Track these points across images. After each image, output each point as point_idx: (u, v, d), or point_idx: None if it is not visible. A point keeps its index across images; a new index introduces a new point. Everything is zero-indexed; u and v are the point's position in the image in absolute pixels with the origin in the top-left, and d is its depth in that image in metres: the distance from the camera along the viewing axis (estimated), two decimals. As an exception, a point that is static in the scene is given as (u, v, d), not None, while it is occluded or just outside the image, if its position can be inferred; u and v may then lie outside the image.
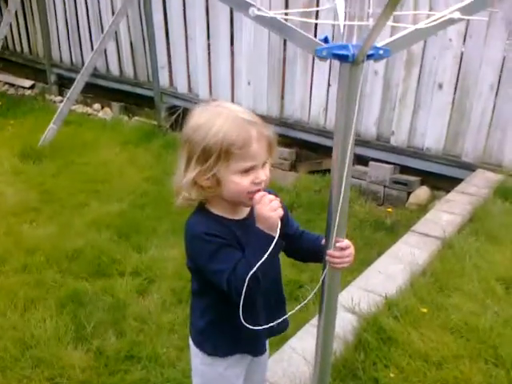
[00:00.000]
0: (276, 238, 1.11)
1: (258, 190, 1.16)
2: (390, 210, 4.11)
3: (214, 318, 1.32)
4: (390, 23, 0.78)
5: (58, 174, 4.36)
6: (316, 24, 3.96)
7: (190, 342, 1.40)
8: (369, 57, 0.88)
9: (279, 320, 1.30)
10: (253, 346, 1.37)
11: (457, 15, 0.82)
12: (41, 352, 2.27)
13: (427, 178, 4.13)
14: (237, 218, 1.24)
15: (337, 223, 1.12)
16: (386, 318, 2.14)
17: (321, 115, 4.56)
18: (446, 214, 3.16)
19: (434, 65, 3.88)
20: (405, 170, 4.22)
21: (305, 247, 1.36)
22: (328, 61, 0.98)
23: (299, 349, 1.99)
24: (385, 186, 4.23)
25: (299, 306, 1.31)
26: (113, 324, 2.50)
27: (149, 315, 2.58)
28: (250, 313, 1.21)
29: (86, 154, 4.80)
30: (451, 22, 0.83)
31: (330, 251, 1.18)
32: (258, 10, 0.83)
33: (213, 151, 1.13)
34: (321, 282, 1.25)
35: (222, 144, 1.11)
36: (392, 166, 4.22)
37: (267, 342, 1.47)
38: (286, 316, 1.33)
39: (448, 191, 3.65)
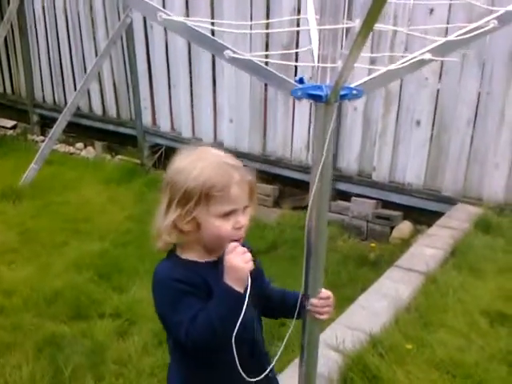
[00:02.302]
0: (248, 294, 1.08)
1: (239, 238, 1.15)
2: (373, 244, 4.11)
3: (184, 379, 1.25)
4: (360, 65, 0.80)
5: (38, 214, 4.29)
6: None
7: None
8: (342, 97, 0.90)
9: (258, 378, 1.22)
10: None
11: (428, 56, 0.84)
12: (15, 400, 2.19)
13: (409, 213, 4.16)
14: (207, 259, 1.20)
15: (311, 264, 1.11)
16: (371, 356, 2.10)
17: (303, 152, 4.61)
18: (429, 249, 3.17)
19: (411, 102, 3.98)
20: (387, 204, 4.26)
21: (276, 304, 1.34)
22: (308, 99, 0.99)
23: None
24: (368, 221, 4.25)
25: (277, 356, 1.28)
26: (91, 368, 2.42)
27: (129, 358, 2.50)
28: (221, 373, 1.18)
29: (67, 193, 4.75)
30: (422, 63, 0.86)
31: (313, 300, 1.18)
32: (234, 52, 0.84)
33: (193, 194, 1.11)
34: (293, 321, 1.26)
35: (202, 186, 1.10)
36: (374, 201, 4.25)
37: None
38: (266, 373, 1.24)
39: (430, 225, 3.68)
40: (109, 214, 4.35)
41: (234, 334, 1.06)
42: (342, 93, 0.88)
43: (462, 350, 2.20)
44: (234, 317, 1.06)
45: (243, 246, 1.15)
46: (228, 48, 0.85)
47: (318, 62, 0.88)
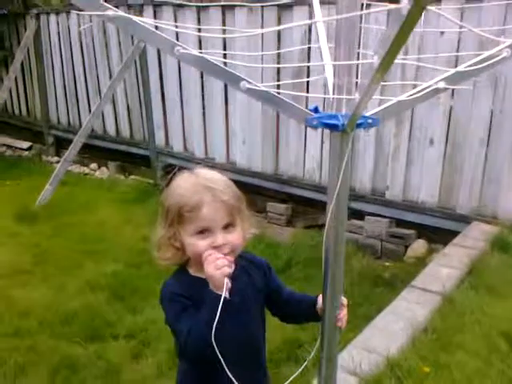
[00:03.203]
0: (222, 297, 1.10)
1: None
2: (388, 263, 4.08)
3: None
4: (376, 97, 0.81)
5: (53, 235, 4.34)
6: (307, 90, 4.09)
7: None
8: (358, 126, 0.91)
9: None
10: None
11: (442, 85, 0.85)
12: (31, 424, 2.19)
13: (423, 231, 4.13)
14: None
15: (329, 281, 1.10)
16: (389, 380, 2.07)
17: (315, 171, 4.61)
18: (445, 268, 3.14)
19: (424, 121, 3.98)
20: (401, 223, 4.23)
21: (295, 311, 1.38)
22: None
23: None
24: (381, 240, 4.23)
25: (297, 373, 1.27)
26: (107, 391, 2.43)
27: (143, 380, 2.50)
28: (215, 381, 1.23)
29: (81, 213, 4.80)
30: (437, 91, 0.87)
31: (341, 314, 1.20)
32: (249, 83, 0.86)
33: (170, 212, 1.21)
34: (318, 342, 1.23)
35: (175, 206, 1.19)
36: (388, 219, 4.23)
37: None
38: None
39: (445, 244, 3.65)
40: (123, 235, 4.38)
41: (213, 331, 1.08)
42: (358, 122, 0.89)
43: (481, 374, 2.16)
44: (218, 318, 1.10)
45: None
46: (244, 79, 0.86)
47: (333, 91, 0.89)
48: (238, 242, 1.21)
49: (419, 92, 0.86)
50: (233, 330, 1.17)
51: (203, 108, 5.30)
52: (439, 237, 3.98)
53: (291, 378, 1.30)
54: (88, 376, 2.52)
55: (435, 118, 3.91)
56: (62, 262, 3.84)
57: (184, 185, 1.22)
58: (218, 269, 1.11)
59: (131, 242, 4.23)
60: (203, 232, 1.18)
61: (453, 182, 3.97)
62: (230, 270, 1.13)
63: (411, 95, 0.87)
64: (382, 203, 4.27)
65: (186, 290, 1.21)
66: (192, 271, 1.26)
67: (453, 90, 3.82)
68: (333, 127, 0.90)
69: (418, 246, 4.08)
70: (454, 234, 3.73)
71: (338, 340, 1.24)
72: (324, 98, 0.93)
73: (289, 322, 1.50)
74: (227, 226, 1.20)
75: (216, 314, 1.08)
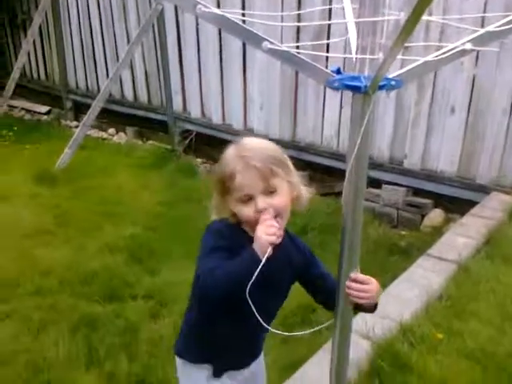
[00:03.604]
0: (263, 260, 1.12)
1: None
2: (404, 232, 4.07)
3: (194, 331, 1.44)
4: (400, 57, 0.80)
5: (72, 198, 4.41)
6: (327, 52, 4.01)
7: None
8: (381, 87, 0.89)
9: None
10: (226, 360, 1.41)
11: (469, 46, 0.83)
12: (53, 375, 2.27)
13: (441, 201, 4.10)
14: None
15: (345, 250, 1.11)
16: (401, 345, 2.11)
17: (333, 138, 4.57)
18: (461, 238, 3.13)
19: (446, 88, 3.89)
20: (418, 192, 4.20)
21: (327, 291, 1.34)
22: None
23: (313, 374, 1.97)
24: (398, 209, 4.21)
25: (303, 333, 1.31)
26: (125, 348, 2.49)
27: (160, 339, 2.57)
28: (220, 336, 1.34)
29: (100, 177, 4.85)
30: (463, 53, 0.84)
31: (348, 283, 1.18)
32: (271, 43, 0.85)
33: (217, 184, 1.27)
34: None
35: (217, 177, 1.26)
36: (405, 188, 4.20)
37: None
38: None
39: (462, 214, 3.62)
40: (141, 199, 4.44)
41: (248, 289, 1.12)
42: (380, 84, 0.88)
43: (494, 341, 2.17)
44: (244, 278, 1.12)
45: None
46: (266, 39, 0.85)
47: (356, 53, 0.88)
48: (281, 205, 1.22)
49: (445, 53, 0.84)
50: (253, 297, 1.17)
51: (221, 73, 5.25)
52: (456, 207, 3.95)
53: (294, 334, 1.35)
54: (107, 334, 2.59)
55: (459, 84, 3.82)
56: (81, 223, 3.91)
57: (225, 157, 1.26)
58: (267, 234, 1.14)
59: (148, 205, 4.28)
60: (245, 199, 1.21)
61: (473, 150, 3.91)
62: (276, 240, 1.15)
63: (437, 56, 0.85)
64: (399, 172, 4.23)
65: (228, 234, 1.26)
66: (246, 227, 1.29)
67: (477, 55, 3.71)
68: (355, 89, 0.89)
69: (435, 216, 4.06)
70: (472, 204, 3.70)
71: (352, 308, 1.25)
72: (344, 61, 0.91)
73: (320, 301, 1.44)
74: (268, 191, 1.21)
75: (248, 273, 1.11)
